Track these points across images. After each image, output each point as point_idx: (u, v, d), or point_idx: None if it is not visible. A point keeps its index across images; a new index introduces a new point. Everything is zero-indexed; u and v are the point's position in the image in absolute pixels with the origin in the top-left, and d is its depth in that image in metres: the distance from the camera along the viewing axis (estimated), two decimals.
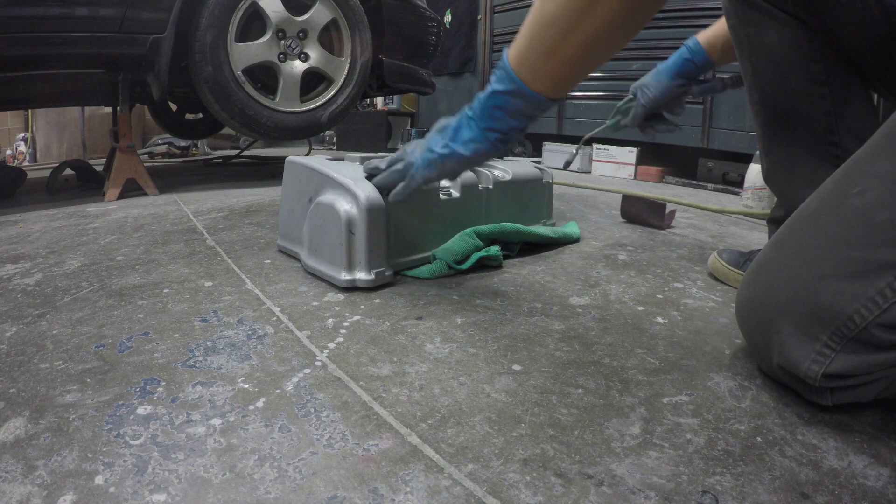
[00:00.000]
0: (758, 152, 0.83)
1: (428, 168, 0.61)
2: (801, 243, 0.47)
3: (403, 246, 0.80)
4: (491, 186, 0.91)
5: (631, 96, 0.89)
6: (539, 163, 1.10)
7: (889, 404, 0.47)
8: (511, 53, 0.54)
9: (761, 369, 0.52)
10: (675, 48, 0.85)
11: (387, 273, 0.74)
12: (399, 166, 0.66)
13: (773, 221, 0.81)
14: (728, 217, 1.43)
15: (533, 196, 1.04)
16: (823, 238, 0.45)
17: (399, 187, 0.66)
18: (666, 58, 0.86)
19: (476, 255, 0.82)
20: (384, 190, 0.70)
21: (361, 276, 0.72)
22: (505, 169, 0.97)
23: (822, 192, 0.49)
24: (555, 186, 1.13)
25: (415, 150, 0.64)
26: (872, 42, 0.63)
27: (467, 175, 0.91)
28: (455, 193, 0.86)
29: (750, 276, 0.52)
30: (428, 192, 0.83)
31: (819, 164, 0.70)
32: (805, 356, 0.44)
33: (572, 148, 2.61)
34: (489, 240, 0.87)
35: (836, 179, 0.48)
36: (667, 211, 1.17)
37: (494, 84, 0.55)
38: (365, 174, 0.73)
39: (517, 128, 0.57)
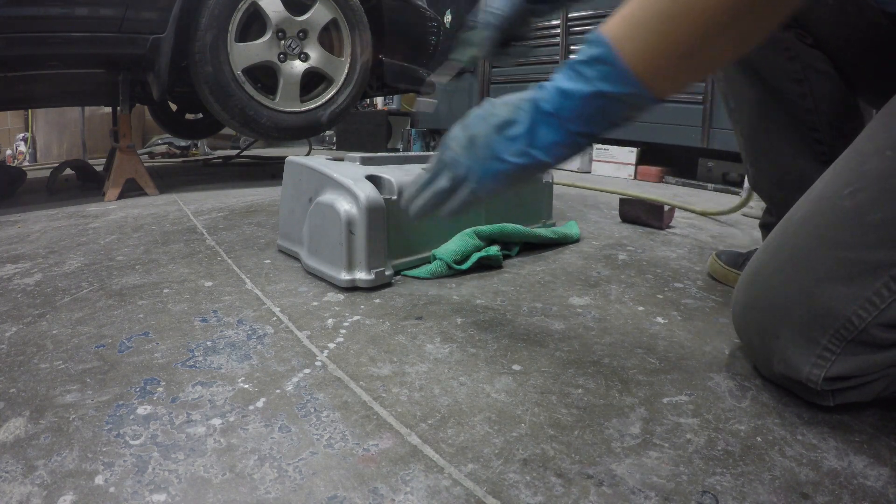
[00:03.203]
0: None
1: (495, 181, 0.47)
2: (796, 246, 0.47)
3: (403, 246, 0.80)
4: None
5: (480, 26, 0.74)
6: None
7: (889, 404, 0.47)
8: (627, 47, 0.39)
9: (760, 372, 0.52)
10: None
11: (387, 273, 0.74)
12: (443, 183, 0.50)
13: (766, 227, 0.80)
14: (728, 216, 1.42)
15: (533, 196, 1.04)
16: (817, 241, 0.45)
17: (454, 204, 0.50)
18: None
19: (476, 256, 0.82)
20: (425, 213, 0.54)
21: (361, 276, 0.72)
22: None
23: (813, 193, 0.48)
24: (555, 186, 1.13)
25: (461, 158, 0.48)
26: (848, 38, 0.62)
27: None
28: None
29: (745, 280, 0.51)
30: None
31: (806, 164, 0.70)
32: (805, 360, 0.44)
33: None
34: (489, 240, 0.87)
35: (826, 181, 0.48)
36: (665, 210, 1.17)
37: (600, 84, 0.41)
38: (405, 205, 0.56)
39: (611, 130, 0.45)
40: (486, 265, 0.85)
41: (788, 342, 0.45)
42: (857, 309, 0.41)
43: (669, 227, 1.20)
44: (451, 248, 0.82)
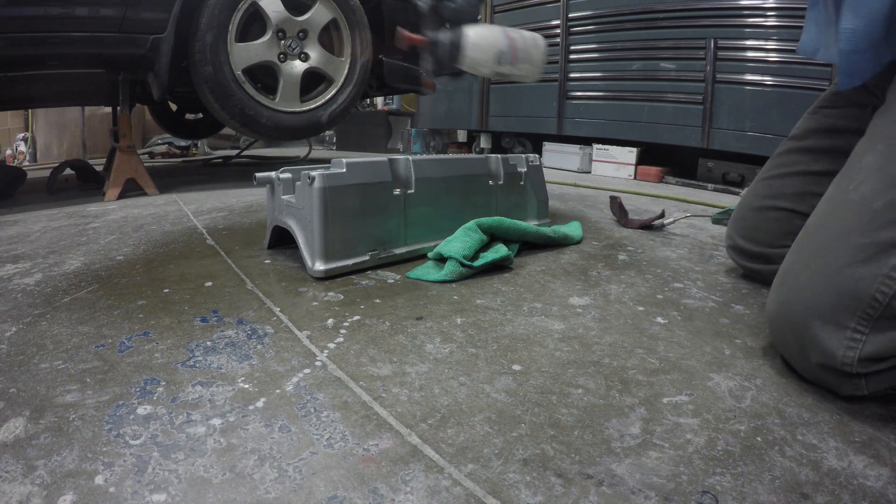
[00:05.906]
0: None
1: None
2: (816, 243, 0.51)
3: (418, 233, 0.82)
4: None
5: None
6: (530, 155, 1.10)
7: (889, 403, 0.47)
8: None
9: (797, 371, 0.52)
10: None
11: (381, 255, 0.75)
12: None
13: (734, 249, 0.81)
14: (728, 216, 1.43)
15: (519, 194, 1.05)
16: (834, 234, 0.49)
17: None
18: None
19: (490, 257, 0.81)
20: None
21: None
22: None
23: (828, 194, 0.54)
24: (555, 186, 1.13)
25: None
26: None
27: (465, 171, 0.91)
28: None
29: (776, 283, 0.54)
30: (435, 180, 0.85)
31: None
32: (839, 345, 0.46)
33: (574, 148, 2.60)
34: (489, 233, 0.87)
35: (835, 184, 0.53)
36: (629, 216, 1.24)
37: None
38: None
39: None
40: (498, 265, 0.84)
41: (820, 331, 0.47)
42: (879, 286, 0.44)
43: (652, 227, 1.19)
44: (456, 245, 0.80)
